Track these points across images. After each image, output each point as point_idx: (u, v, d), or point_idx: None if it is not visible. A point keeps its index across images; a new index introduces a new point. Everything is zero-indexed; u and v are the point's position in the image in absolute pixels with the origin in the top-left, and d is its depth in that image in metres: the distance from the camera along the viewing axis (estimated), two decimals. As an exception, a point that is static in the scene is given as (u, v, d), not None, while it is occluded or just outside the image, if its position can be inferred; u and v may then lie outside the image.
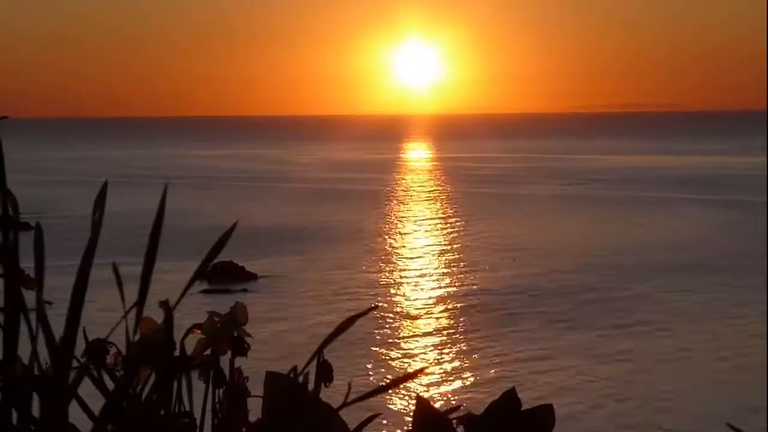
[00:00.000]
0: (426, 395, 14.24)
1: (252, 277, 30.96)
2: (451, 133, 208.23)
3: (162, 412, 1.79)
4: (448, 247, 38.66)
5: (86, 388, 1.80)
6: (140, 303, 1.72)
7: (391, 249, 37.95)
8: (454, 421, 2.24)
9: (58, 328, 1.71)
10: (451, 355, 22.44)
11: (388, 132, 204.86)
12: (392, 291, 29.55)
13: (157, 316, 1.85)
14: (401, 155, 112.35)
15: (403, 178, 76.13)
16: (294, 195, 60.12)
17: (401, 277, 31.94)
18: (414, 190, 65.52)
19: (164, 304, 1.70)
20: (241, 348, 2.09)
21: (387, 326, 24.66)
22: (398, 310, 26.74)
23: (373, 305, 1.92)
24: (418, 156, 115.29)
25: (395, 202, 57.19)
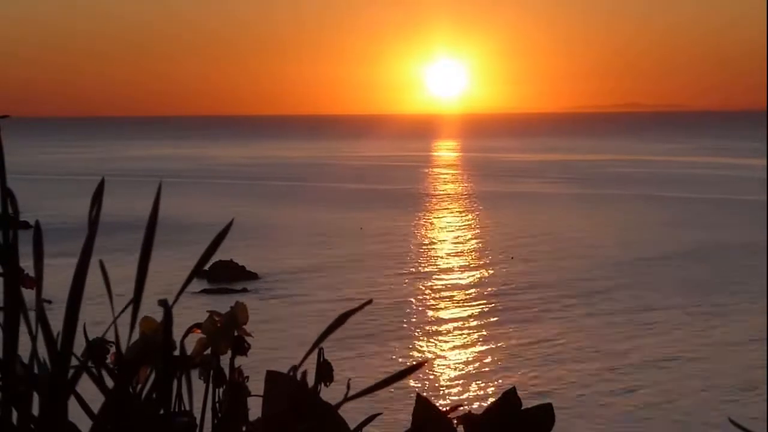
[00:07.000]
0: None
1: (252, 276, 30.91)
2: (459, 132, 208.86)
3: (162, 411, 1.78)
4: (447, 244, 38.71)
5: (86, 388, 1.80)
6: (136, 301, 1.71)
7: (389, 247, 37.90)
8: (454, 421, 2.24)
9: (57, 326, 1.71)
10: (450, 345, 22.54)
11: (411, 131, 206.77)
12: (391, 288, 29.52)
13: (156, 314, 1.85)
14: (400, 155, 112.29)
15: (401, 178, 76.08)
16: (303, 194, 60.14)
17: (400, 274, 31.93)
18: (413, 190, 65.49)
19: (163, 303, 1.69)
20: (241, 347, 2.08)
21: (383, 320, 24.68)
22: (395, 304, 26.77)
23: (367, 300, 1.91)
24: (418, 154, 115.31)
25: (393, 202, 57.13)
